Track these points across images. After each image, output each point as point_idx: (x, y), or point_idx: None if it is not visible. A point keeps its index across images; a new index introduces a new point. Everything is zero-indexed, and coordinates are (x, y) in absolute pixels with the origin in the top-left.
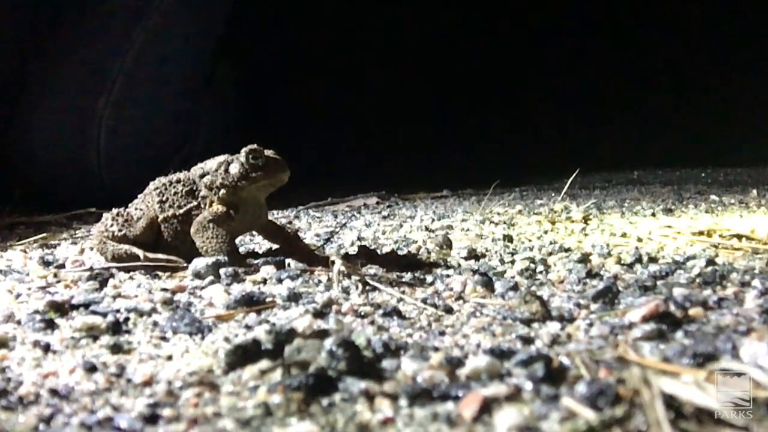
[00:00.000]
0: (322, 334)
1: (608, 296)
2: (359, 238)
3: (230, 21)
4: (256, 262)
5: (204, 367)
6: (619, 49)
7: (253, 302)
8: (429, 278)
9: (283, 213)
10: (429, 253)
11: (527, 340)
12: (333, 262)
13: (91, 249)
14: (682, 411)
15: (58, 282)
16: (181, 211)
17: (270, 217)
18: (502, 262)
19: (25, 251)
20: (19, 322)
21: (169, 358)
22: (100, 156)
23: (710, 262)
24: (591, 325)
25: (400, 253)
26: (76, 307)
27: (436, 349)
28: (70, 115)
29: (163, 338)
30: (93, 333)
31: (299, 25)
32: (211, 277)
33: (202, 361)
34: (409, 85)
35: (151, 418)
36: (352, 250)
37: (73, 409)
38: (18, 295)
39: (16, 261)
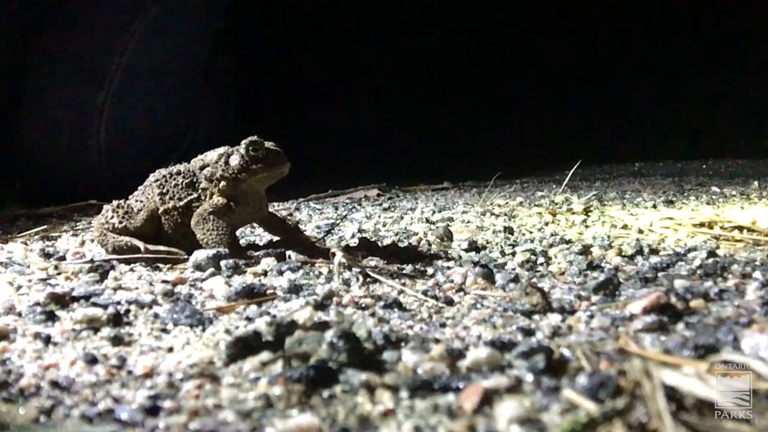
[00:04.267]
0: (323, 326)
1: (609, 288)
2: (360, 230)
3: (230, 13)
4: (256, 254)
5: (205, 359)
6: (620, 42)
7: (253, 294)
8: (430, 270)
9: (284, 205)
10: (430, 245)
11: (528, 332)
12: (334, 254)
13: (92, 241)
14: (683, 403)
15: (59, 274)
16: (182, 203)
17: (270, 209)
18: (502, 253)
19: (25, 243)
20: (19, 314)
21: (170, 350)
22: (101, 148)
23: (711, 253)
24: (592, 316)
25: (400, 245)
26: (76, 299)
27: (437, 341)
28: (71, 108)
29: (164, 330)
30: (94, 325)
31: (299, 16)
32: (211, 269)
33: (203, 353)
34: (411, 77)
35: (152, 410)
36: (353, 242)
37: (74, 401)
38: (19, 287)
39: (17, 253)
